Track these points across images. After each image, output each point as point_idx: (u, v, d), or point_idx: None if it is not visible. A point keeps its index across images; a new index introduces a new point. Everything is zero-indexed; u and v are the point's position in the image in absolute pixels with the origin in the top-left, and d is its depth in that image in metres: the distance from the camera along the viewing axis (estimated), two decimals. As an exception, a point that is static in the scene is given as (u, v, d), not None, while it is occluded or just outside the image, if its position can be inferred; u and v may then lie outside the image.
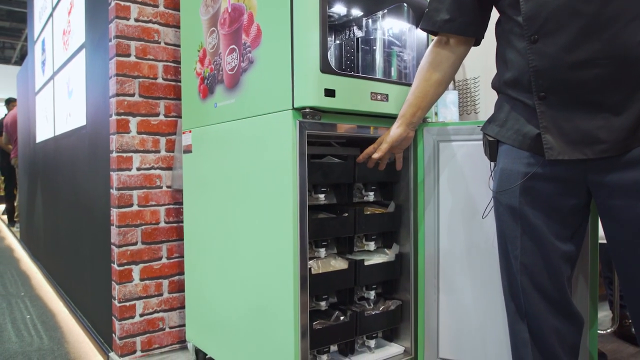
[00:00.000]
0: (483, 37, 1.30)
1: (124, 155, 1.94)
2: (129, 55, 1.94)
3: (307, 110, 1.30)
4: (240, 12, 1.52)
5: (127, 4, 1.93)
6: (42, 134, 3.57)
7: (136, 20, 1.95)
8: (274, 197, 1.37)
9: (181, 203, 2.07)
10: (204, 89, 1.75)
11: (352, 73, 1.48)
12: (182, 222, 2.06)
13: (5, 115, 6.33)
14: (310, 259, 1.45)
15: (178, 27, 2.05)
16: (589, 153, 1.01)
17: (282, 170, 1.34)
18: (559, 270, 1.11)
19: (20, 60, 15.91)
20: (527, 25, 1.05)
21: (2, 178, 8.16)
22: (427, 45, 1.55)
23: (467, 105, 2.57)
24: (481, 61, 2.18)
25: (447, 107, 2.26)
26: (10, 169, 6.02)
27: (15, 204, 6.04)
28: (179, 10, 2.03)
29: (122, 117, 1.93)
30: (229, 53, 1.58)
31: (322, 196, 1.47)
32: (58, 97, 3.00)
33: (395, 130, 1.40)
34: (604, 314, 2.60)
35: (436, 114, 2.31)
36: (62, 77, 2.89)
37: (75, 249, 2.66)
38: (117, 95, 1.92)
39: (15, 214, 6.04)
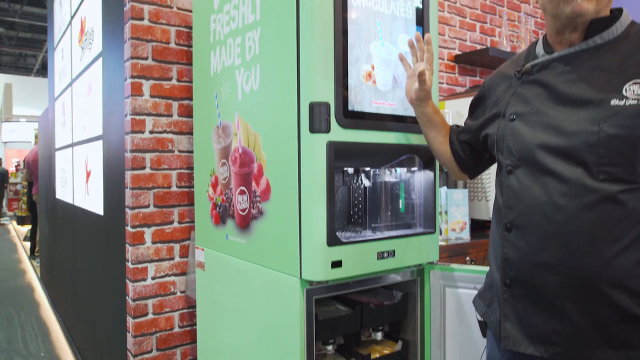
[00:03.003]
0: (476, 176, 1.44)
1: (137, 118, 1.99)
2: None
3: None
4: (250, 159, 1.55)
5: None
6: (61, 193, 3.66)
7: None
8: (280, 350, 1.41)
9: (192, 168, 2.10)
10: (216, 215, 1.79)
11: (358, 234, 1.51)
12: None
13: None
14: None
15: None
16: (542, 351, 1.03)
17: (289, 330, 1.37)
18: None
19: (42, 70, 16.30)
20: (504, 212, 1.11)
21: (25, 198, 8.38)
22: (435, 187, 1.58)
23: (477, 191, 2.58)
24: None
25: (458, 207, 2.27)
26: (32, 203, 6.18)
27: (37, 238, 6.19)
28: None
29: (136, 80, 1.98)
30: (240, 193, 1.62)
31: (330, 347, 1.50)
32: (77, 167, 3.08)
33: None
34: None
35: (446, 212, 2.33)
36: (80, 152, 2.97)
37: (94, 312, 2.74)
38: (132, 58, 1.97)
39: (37, 248, 6.19)
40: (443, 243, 2.09)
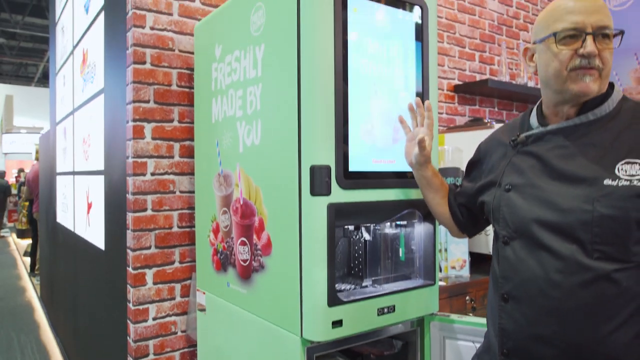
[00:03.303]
0: (475, 235, 1.45)
1: (139, 160, 2.00)
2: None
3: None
4: (252, 211, 1.57)
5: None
6: (62, 217, 3.67)
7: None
8: (283, 411, 1.42)
9: (193, 208, 2.11)
10: (218, 261, 1.80)
11: (358, 287, 1.52)
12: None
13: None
14: None
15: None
16: None
17: (291, 388, 1.38)
18: None
19: (43, 79, 16.34)
20: (501, 283, 1.13)
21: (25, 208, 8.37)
22: (434, 239, 1.59)
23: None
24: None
25: (457, 245, 2.28)
26: (33, 219, 6.19)
27: (37, 256, 6.19)
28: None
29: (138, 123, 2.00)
30: (241, 244, 1.63)
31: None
32: (78, 196, 3.09)
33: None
34: None
35: (446, 249, 2.34)
36: (81, 182, 2.98)
37: (94, 340, 2.74)
38: (134, 102, 1.98)
39: (37, 266, 6.19)
40: (443, 283, 2.10)
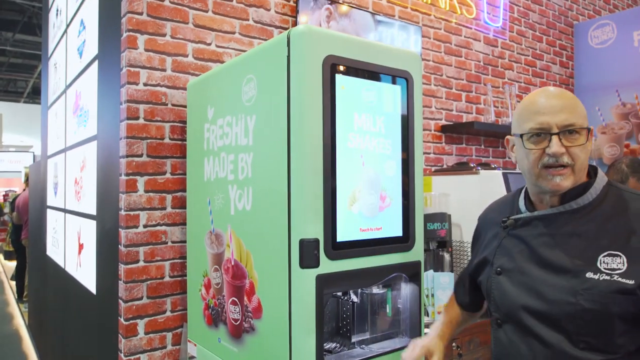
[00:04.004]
0: (480, 310, 1.45)
1: (132, 213, 2.04)
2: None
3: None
4: (242, 274, 1.61)
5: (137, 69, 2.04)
6: (52, 252, 3.67)
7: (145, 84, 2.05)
8: None
9: (184, 257, 2.14)
10: (209, 316, 1.83)
11: (346, 347, 1.56)
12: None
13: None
14: None
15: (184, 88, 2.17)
16: None
17: None
18: None
19: (33, 94, 16.26)
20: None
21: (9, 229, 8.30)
22: (420, 299, 1.63)
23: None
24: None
25: (444, 290, 2.33)
26: (21, 246, 6.15)
27: (26, 283, 6.14)
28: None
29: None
30: (232, 303, 1.66)
31: None
32: (70, 235, 3.10)
33: (425, 337, 1.39)
34: None
35: (432, 295, 2.39)
36: (73, 222, 3.00)
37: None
38: (127, 156, 2.02)
39: (25, 293, 6.14)
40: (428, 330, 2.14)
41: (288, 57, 1.38)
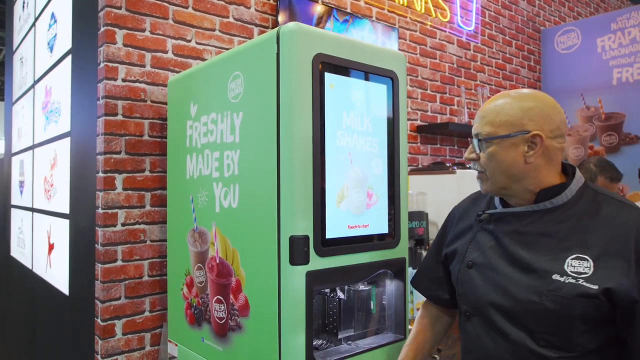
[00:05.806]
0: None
1: (110, 211, 1.99)
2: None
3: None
4: (228, 271, 1.59)
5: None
6: (18, 253, 3.54)
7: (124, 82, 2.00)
8: None
9: (164, 256, 2.11)
10: (191, 315, 1.81)
11: (332, 344, 1.57)
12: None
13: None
14: None
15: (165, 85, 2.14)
16: None
17: None
18: None
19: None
20: (463, 354, 1.24)
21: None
22: (405, 295, 1.66)
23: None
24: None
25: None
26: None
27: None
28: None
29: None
30: (217, 302, 1.65)
31: None
32: (38, 235, 3.00)
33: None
34: None
35: (411, 292, 2.43)
36: (42, 221, 2.90)
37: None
38: (105, 153, 1.98)
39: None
40: (410, 327, 2.18)
41: (277, 54, 1.38)
